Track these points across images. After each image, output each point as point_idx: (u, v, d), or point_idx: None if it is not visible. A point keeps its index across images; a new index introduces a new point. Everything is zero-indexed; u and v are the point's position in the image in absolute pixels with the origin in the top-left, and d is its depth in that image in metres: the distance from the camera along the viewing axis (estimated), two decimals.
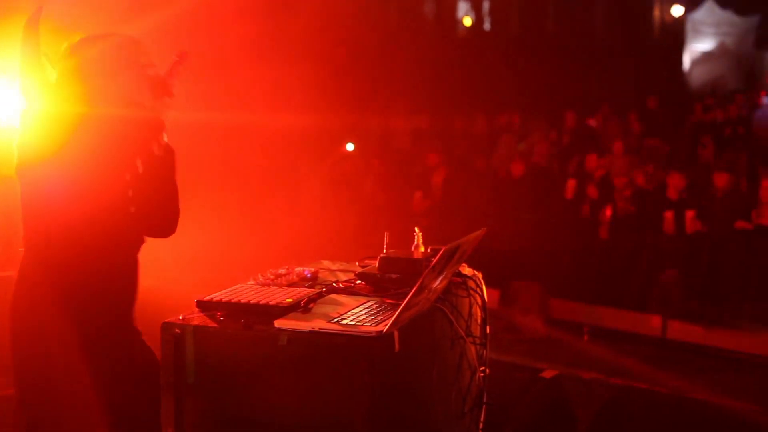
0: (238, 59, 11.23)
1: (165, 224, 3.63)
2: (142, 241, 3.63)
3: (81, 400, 3.43)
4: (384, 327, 3.05)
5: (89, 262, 3.39)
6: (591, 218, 10.98)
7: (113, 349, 3.47)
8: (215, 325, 3.22)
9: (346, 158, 13.10)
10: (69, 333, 3.37)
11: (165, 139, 3.57)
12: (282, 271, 3.83)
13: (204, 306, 3.36)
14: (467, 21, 21.15)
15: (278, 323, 3.15)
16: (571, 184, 11.43)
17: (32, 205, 3.40)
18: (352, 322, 3.12)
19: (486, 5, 21.31)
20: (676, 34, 22.93)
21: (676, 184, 10.29)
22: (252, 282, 3.67)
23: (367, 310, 3.30)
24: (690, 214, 9.89)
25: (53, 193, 3.34)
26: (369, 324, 3.11)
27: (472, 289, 3.97)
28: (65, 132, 3.33)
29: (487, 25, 21.47)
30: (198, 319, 3.26)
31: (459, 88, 16.82)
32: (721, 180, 10.05)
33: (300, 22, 12.70)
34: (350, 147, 13.22)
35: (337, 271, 4.09)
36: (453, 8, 21.12)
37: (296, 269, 3.90)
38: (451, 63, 17.69)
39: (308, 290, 3.56)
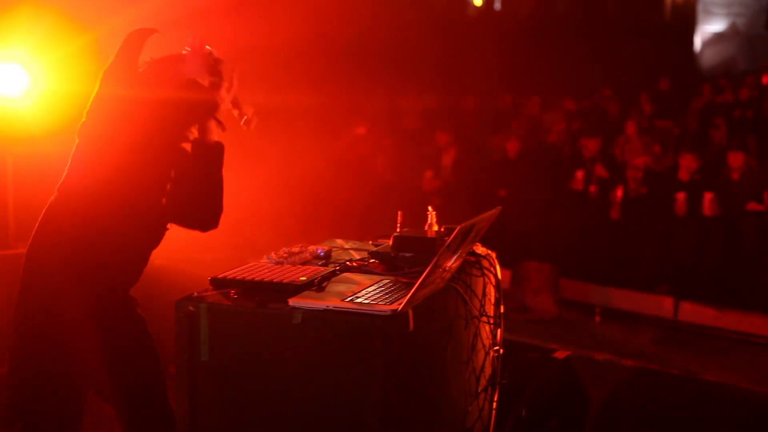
0: (249, 40, 11.20)
1: (205, 217, 3.63)
2: (165, 229, 3.62)
3: (82, 371, 3.42)
4: (398, 306, 3.04)
5: (104, 232, 3.38)
6: (601, 200, 10.94)
7: (115, 322, 3.46)
8: (229, 302, 3.22)
9: (357, 138, 13.08)
10: (75, 301, 3.36)
11: (216, 127, 3.59)
12: (296, 249, 3.82)
13: (218, 284, 3.36)
14: (478, 1, 21.05)
15: (292, 301, 3.14)
16: (579, 175, 11.36)
17: (74, 167, 3.41)
18: (367, 301, 3.11)
19: None
20: (687, 15, 22.81)
21: (688, 165, 10.23)
22: (265, 260, 3.66)
23: (381, 289, 3.29)
24: (709, 196, 9.83)
25: (93, 160, 3.35)
26: (383, 302, 3.10)
27: (486, 268, 3.95)
28: (119, 108, 3.33)
29: (497, 5, 21.37)
30: (212, 296, 3.26)
31: (469, 68, 16.76)
32: (737, 160, 9.98)
33: (311, 1, 12.65)
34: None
35: (350, 249, 4.09)
36: None
37: (310, 248, 3.90)
38: (462, 43, 17.61)
39: (322, 268, 3.55)
